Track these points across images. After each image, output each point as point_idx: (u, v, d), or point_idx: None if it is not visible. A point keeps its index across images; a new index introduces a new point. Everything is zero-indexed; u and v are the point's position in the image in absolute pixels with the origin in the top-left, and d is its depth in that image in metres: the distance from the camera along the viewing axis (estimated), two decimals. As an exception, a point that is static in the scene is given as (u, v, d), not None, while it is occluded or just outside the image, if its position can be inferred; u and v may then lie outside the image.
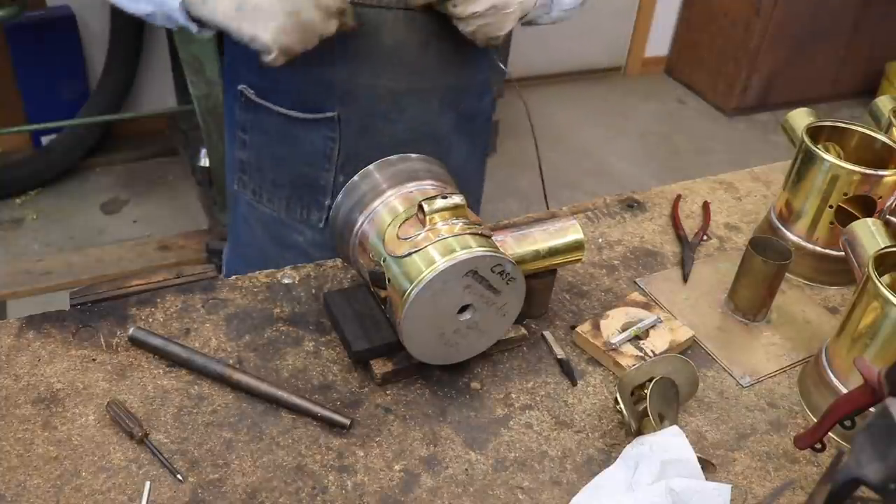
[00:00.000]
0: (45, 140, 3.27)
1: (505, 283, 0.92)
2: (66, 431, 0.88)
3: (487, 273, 0.90)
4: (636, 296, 1.13)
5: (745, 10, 4.15)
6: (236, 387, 0.94)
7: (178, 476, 0.84)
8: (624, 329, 1.06)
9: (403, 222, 0.94)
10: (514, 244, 1.00)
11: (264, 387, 0.93)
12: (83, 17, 3.16)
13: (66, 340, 0.99)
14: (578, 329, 1.06)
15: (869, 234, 1.04)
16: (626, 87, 4.60)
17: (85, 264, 2.75)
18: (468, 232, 0.91)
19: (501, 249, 0.94)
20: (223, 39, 1.14)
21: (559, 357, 1.04)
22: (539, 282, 1.06)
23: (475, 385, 1.00)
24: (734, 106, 4.35)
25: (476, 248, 0.89)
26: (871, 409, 0.80)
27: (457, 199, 0.93)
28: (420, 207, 0.92)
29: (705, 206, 1.38)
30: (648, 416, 0.88)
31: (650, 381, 0.90)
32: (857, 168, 1.14)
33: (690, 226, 1.34)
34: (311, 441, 0.90)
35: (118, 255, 2.80)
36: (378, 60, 1.16)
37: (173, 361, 0.97)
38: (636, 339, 1.05)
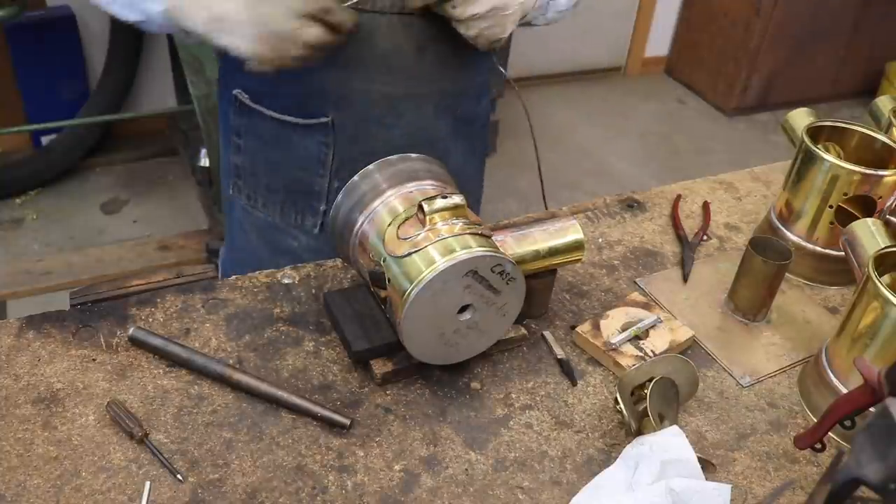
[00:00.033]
0: (45, 140, 3.27)
1: (505, 283, 0.93)
2: (66, 431, 0.88)
3: (487, 273, 0.90)
4: (636, 296, 1.13)
5: (745, 10, 4.15)
6: (236, 387, 0.94)
7: (178, 476, 0.84)
8: (624, 329, 1.06)
9: (403, 222, 0.94)
10: (514, 244, 1.00)
11: (264, 387, 0.93)
12: (83, 17, 3.16)
13: (66, 340, 0.99)
14: (578, 329, 1.06)
15: (869, 234, 1.04)
16: (626, 87, 4.60)
17: (85, 264, 2.75)
18: (468, 232, 0.92)
19: (501, 249, 0.94)
20: None
21: (559, 357, 1.04)
22: (539, 282, 1.06)
23: (475, 385, 1.00)
24: (734, 106, 4.35)
25: (476, 248, 0.89)
26: (871, 409, 0.80)
27: (457, 199, 0.93)
28: (420, 207, 0.92)
29: (705, 206, 1.39)
30: (648, 416, 0.88)
31: (650, 381, 0.90)
32: (857, 168, 1.14)
33: (690, 226, 1.34)
34: (311, 441, 0.90)
35: (118, 255, 2.81)
36: (372, 66, 1.15)
37: (173, 361, 0.97)
38: (636, 339, 1.05)
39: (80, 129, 3.18)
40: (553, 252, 1.03)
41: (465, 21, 1.08)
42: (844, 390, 0.94)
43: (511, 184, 3.37)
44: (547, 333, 1.08)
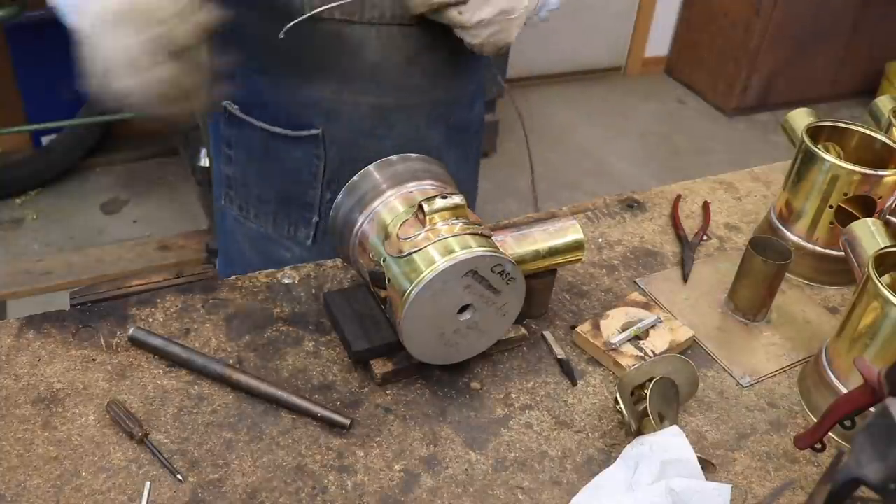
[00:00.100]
0: (45, 140, 3.27)
1: (505, 283, 0.92)
2: (66, 431, 0.88)
3: (487, 273, 0.90)
4: (636, 296, 1.13)
5: (745, 11, 4.15)
6: (236, 387, 0.94)
7: (178, 476, 0.84)
8: (624, 329, 1.06)
9: (403, 222, 0.94)
10: (514, 244, 1.00)
11: (264, 387, 0.93)
12: (83, 18, 3.16)
13: (66, 340, 0.99)
14: (578, 329, 1.06)
15: (869, 234, 1.04)
16: (626, 87, 4.60)
17: (85, 264, 2.75)
18: (468, 232, 0.91)
19: (501, 249, 0.94)
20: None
21: (559, 357, 1.04)
22: (539, 282, 1.06)
23: (475, 385, 1.00)
24: (734, 106, 4.36)
25: (476, 248, 0.89)
26: (871, 409, 0.80)
27: (457, 199, 0.93)
28: (420, 207, 0.92)
29: (705, 206, 1.38)
30: (648, 416, 0.88)
31: (650, 381, 0.90)
32: (857, 168, 1.14)
33: (690, 226, 1.34)
34: (311, 441, 0.90)
35: (118, 255, 2.80)
36: (362, 77, 1.13)
37: (173, 361, 0.97)
38: (636, 339, 1.05)
39: (80, 129, 3.18)
40: (553, 252, 1.03)
41: (471, 28, 1.05)
42: (844, 390, 0.94)
43: (510, 184, 3.37)
44: (547, 333, 1.08)
